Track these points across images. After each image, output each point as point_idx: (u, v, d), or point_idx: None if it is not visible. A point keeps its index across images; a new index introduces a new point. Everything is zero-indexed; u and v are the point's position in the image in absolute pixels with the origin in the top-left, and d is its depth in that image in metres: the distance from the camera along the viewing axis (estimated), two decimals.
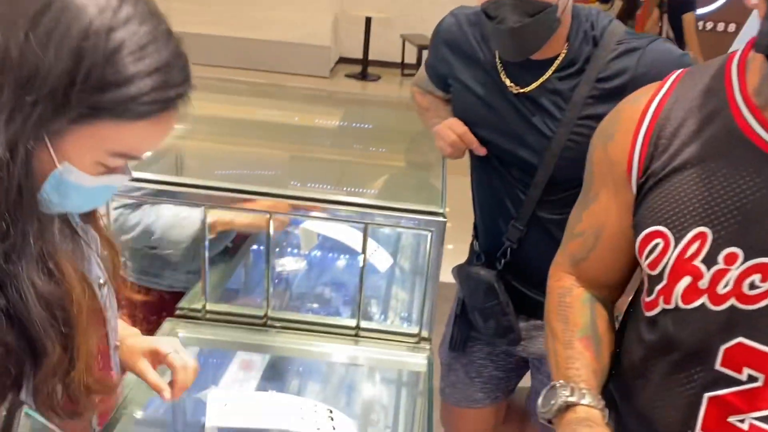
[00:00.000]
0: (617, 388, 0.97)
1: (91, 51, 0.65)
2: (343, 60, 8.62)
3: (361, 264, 1.38)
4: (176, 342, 1.05)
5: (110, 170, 0.74)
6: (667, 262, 0.81)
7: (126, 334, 1.04)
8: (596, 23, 1.29)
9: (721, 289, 0.77)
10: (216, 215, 1.46)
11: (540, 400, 0.91)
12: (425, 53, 6.95)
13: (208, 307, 1.43)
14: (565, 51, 1.29)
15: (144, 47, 0.69)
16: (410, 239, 1.91)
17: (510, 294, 1.46)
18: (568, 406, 0.86)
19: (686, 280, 0.80)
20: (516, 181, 1.39)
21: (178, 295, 1.54)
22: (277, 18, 7.67)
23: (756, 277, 0.75)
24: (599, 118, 1.06)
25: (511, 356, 1.65)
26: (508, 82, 1.33)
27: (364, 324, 1.41)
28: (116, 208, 1.51)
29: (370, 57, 8.10)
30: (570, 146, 1.27)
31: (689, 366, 0.82)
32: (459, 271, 1.54)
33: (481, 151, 1.39)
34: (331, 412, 1.08)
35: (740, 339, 0.77)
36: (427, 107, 1.59)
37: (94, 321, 0.82)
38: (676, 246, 0.81)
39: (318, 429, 1.03)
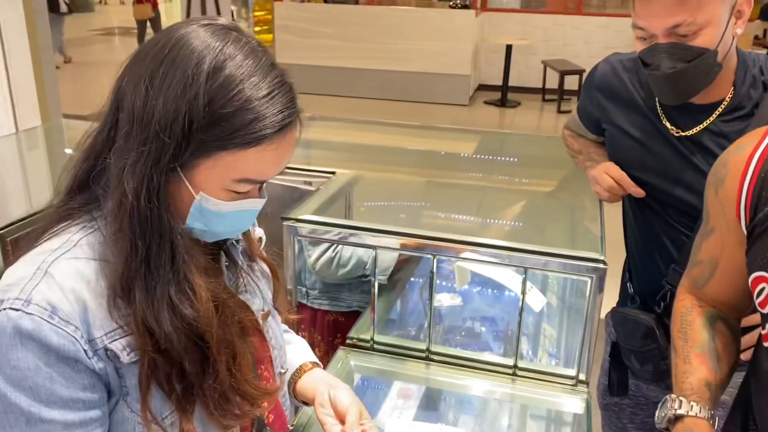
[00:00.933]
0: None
1: (202, 93, 0.74)
2: (482, 87, 8.70)
3: (518, 303, 1.44)
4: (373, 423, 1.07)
5: (243, 195, 0.82)
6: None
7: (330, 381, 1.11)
8: (765, 68, 1.28)
9: None
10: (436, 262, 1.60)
11: (657, 412, 1.02)
12: (567, 79, 6.86)
13: (376, 338, 1.55)
14: (731, 95, 1.28)
15: (247, 80, 0.76)
16: (562, 279, 1.93)
17: (667, 338, 1.45)
18: (677, 418, 0.96)
19: None
20: (676, 222, 1.39)
21: (354, 314, 1.69)
22: (419, 50, 7.92)
23: None
24: None
25: (657, 404, 1.62)
26: (668, 125, 1.34)
27: (521, 363, 1.46)
28: (328, 248, 1.75)
29: (511, 83, 8.12)
30: None
31: None
32: (614, 314, 1.54)
33: (640, 193, 1.40)
34: None
35: None
36: (580, 150, 1.62)
37: (257, 345, 0.93)
38: None
39: None
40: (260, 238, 1.07)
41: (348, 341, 1.58)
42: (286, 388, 1.11)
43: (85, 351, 0.76)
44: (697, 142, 1.31)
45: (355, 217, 1.86)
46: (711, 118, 1.29)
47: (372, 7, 8.61)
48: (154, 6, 9.98)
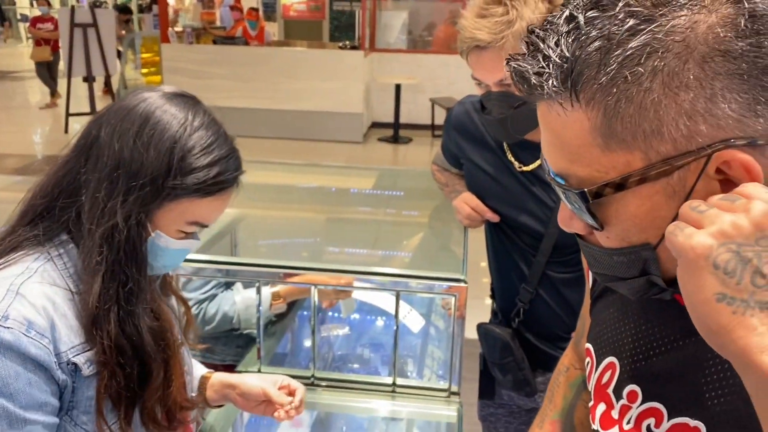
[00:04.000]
0: None
1: (177, 150, 0.94)
2: (375, 124, 8.97)
3: (398, 328, 1.56)
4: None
5: (187, 236, 1.00)
6: (593, 383, 0.79)
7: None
8: None
9: (625, 425, 0.71)
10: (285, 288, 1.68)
11: None
12: None
13: (263, 369, 1.62)
14: None
15: (210, 145, 0.97)
16: (439, 299, 2.08)
17: (526, 349, 1.60)
18: None
19: (602, 407, 0.76)
20: (526, 245, 1.55)
21: (229, 368, 1.73)
22: (311, 89, 8.08)
23: (651, 421, 0.68)
24: None
25: (530, 412, 1.78)
26: (513, 160, 1.51)
27: (399, 381, 1.58)
28: (194, 305, 1.75)
29: (402, 121, 8.43)
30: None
31: None
32: (478, 329, 1.69)
33: (495, 218, 1.55)
34: None
35: None
36: (446, 183, 1.78)
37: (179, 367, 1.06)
38: (596, 369, 0.78)
39: None
40: (173, 276, 1.23)
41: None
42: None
43: (54, 362, 0.88)
44: (536, 175, 1.48)
45: (242, 254, 1.93)
46: None
47: (263, 47, 8.72)
48: (54, 50, 9.54)
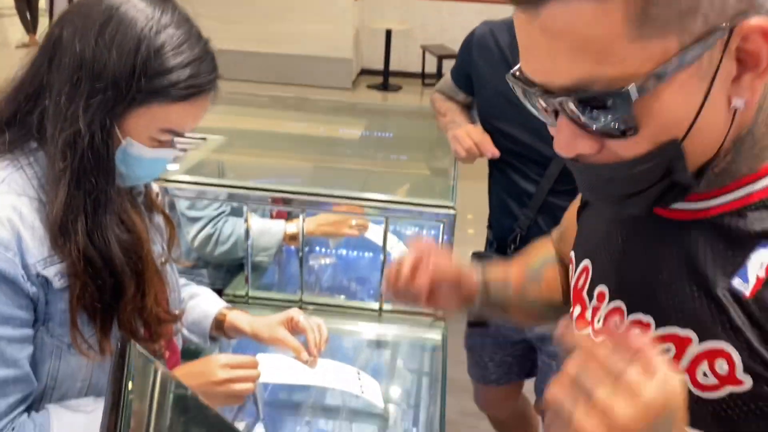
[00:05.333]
0: None
1: (143, 49, 0.88)
2: (364, 72, 8.85)
3: (385, 252, 1.58)
4: (300, 312, 1.29)
5: (162, 144, 0.95)
6: (572, 287, 0.82)
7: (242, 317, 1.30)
8: None
9: (596, 324, 0.74)
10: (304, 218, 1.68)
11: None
12: (445, 63, 7.12)
13: (251, 293, 1.64)
14: None
15: (180, 45, 0.91)
16: (428, 231, 2.10)
17: None
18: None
19: (578, 309, 0.78)
20: (531, 172, 1.56)
21: (217, 292, 1.75)
22: (299, 33, 7.93)
23: (616, 319, 0.70)
24: None
25: (517, 344, 1.83)
26: None
27: (386, 306, 1.60)
28: (207, 223, 1.74)
29: (391, 68, 8.32)
30: None
31: None
32: (472, 257, 1.72)
33: (496, 154, 1.56)
34: (359, 373, 1.27)
35: None
36: (446, 112, 1.77)
37: (159, 283, 1.04)
38: (574, 273, 0.81)
39: (348, 386, 1.22)
40: (157, 193, 1.18)
41: (224, 298, 1.65)
42: (183, 330, 1.25)
43: (22, 275, 0.86)
44: None
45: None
46: None
47: None
48: None
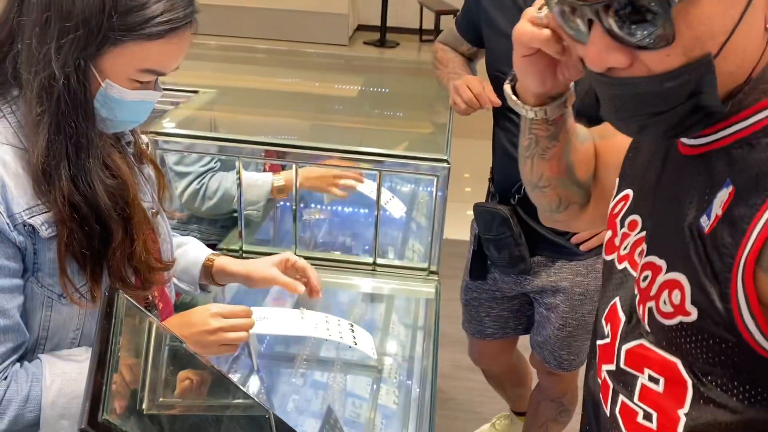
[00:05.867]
0: None
1: None
2: (361, 27, 8.70)
3: (379, 207, 1.57)
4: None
5: (143, 85, 0.92)
6: (608, 211, 0.83)
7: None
8: None
9: (622, 251, 0.77)
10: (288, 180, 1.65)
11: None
12: (443, 19, 7.00)
13: (245, 248, 1.63)
14: None
15: None
16: (425, 196, 2.09)
17: (521, 226, 1.63)
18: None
19: (609, 234, 0.81)
20: None
21: (211, 247, 1.75)
22: None
23: (643, 247, 0.73)
24: None
25: (514, 298, 1.83)
26: None
27: (380, 261, 1.60)
28: (194, 178, 1.72)
29: (389, 24, 8.18)
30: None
31: (599, 314, 0.82)
32: (475, 208, 1.71)
33: (496, 102, 1.53)
34: (352, 326, 1.28)
35: (616, 300, 0.76)
36: (447, 63, 1.74)
37: (149, 231, 1.03)
38: (614, 198, 0.82)
39: (341, 337, 1.23)
40: (147, 143, 1.16)
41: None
42: (173, 280, 1.23)
43: (7, 224, 0.85)
44: None
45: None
46: None
47: None
48: None
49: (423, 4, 8.16)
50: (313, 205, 2.20)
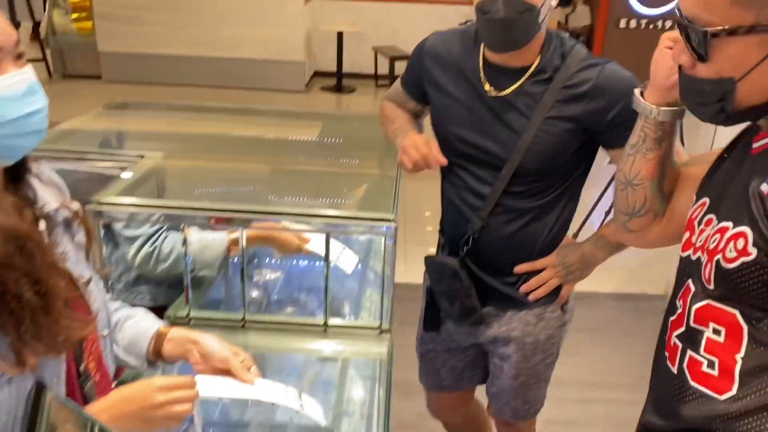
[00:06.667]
0: None
1: None
2: (318, 74, 8.82)
3: (328, 267, 1.57)
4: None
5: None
6: (687, 217, 1.03)
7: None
8: (564, 43, 1.53)
9: (697, 243, 0.96)
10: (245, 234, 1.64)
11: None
12: (397, 64, 7.15)
13: (192, 314, 1.61)
14: (538, 60, 1.50)
15: None
16: (377, 244, 2.09)
17: (470, 278, 1.65)
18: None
19: (686, 235, 1.00)
20: (485, 175, 1.58)
21: (159, 310, 1.71)
22: (251, 37, 7.85)
23: (717, 237, 0.92)
24: (562, 118, 1.43)
25: (468, 348, 1.84)
26: (487, 86, 1.53)
27: (331, 321, 1.59)
28: (145, 241, 1.69)
29: (345, 70, 8.31)
30: (536, 141, 1.48)
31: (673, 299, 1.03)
32: (426, 261, 1.73)
33: (443, 162, 1.56)
34: (299, 392, 1.26)
35: (689, 281, 0.97)
36: (394, 119, 1.77)
37: (80, 311, 0.97)
38: (692, 207, 1.02)
39: (288, 401, 1.20)
40: (77, 211, 1.09)
41: (165, 319, 1.62)
42: (109, 348, 1.16)
43: None
44: (508, 101, 1.51)
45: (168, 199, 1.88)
46: (521, 81, 1.50)
47: None
48: None
49: (377, 50, 8.33)
50: (267, 259, 2.19)
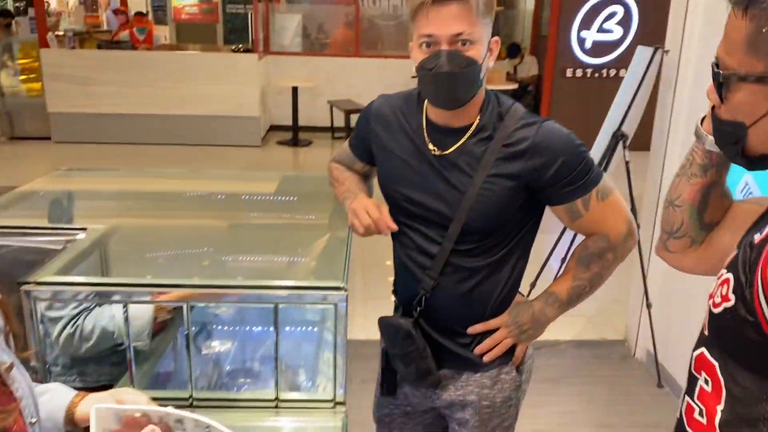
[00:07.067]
0: None
1: None
2: (274, 127, 8.85)
3: (278, 342, 1.52)
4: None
5: None
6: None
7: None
8: (502, 103, 1.55)
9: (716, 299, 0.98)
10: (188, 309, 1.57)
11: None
12: (353, 117, 7.29)
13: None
14: (478, 119, 1.52)
15: None
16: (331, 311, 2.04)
17: (425, 339, 1.61)
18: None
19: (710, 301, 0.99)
20: (433, 235, 1.57)
21: (104, 389, 1.63)
22: (205, 94, 7.86)
23: (716, 282, 0.95)
24: (503, 176, 1.43)
25: (426, 412, 1.79)
26: (431, 146, 1.53)
27: (283, 395, 1.53)
28: (67, 322, 1.61)
29: (301, 123, 8.37)
30: (480, 199, 1.48)
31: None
32: (380, 321, 1.68)
33: (393, 228, 1.55)
34: None
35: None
36: (343, 181, 1.75)
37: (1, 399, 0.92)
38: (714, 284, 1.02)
39: None
40: None
41: None
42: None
43: None
44: (451, 161, 1.51)
45: (113, 271, 1.81)
46: (463, 140, 1.51)
47: (152, 52, 8.37)
48: None
49: (333, 104, 8.42)
50: (218, 327, 2.11)
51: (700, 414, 0.94)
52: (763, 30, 0.83)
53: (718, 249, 1.09)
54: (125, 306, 1.47)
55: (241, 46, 8.52)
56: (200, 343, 1.96)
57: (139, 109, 7.78)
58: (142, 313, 1.65)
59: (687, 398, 0.98)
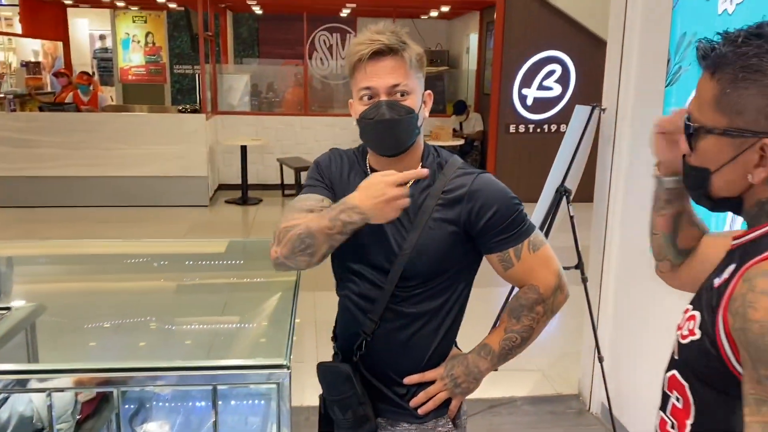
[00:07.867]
0: None
1: None
2: (222, 186, 8.75)
3: (216, 425, 1.43)
4: None
5: None
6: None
7: None
8: (441, 154, 1.60)
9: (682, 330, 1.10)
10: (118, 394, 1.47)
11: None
12: (303, 174, 7.28)
13: None
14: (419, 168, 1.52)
15: None
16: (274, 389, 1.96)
17: (363, 385, 1.57)
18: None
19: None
20: (375, 279, 1.54)
21: None
22: (151, 154, 7.75)
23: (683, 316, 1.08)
24: (443, 220, 1.47)
25: None
26: None
27: None
28: None
29: (250, 181, 8.30)
30: (421, 242, 1.50)
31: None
32: (319, 366, 1.63)
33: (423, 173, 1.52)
34: None
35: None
36: (298, 222, 1.67)
37: None
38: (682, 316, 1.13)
39: None
40: None
41: None
42: None
43: None
44: None
45: (40, 355, 1.69)
46: (405, 187, 1.50)
47: (96, 114, 8.25)
48: None
49: (282, 162, 8.40)
50: (154, 403, 2.00)
51: (672, 427, 1.08)
52: (727, 91, 0.96)
53: (688, 274, 1.27)
54: (49, 394, 1.37)
55: (188, 106, 8.48)
56: (136, 425, 1.84)
57: (84, 172, 7.60)
58: (62, 394, 1.54)
59: (661, 413, 1.11)
